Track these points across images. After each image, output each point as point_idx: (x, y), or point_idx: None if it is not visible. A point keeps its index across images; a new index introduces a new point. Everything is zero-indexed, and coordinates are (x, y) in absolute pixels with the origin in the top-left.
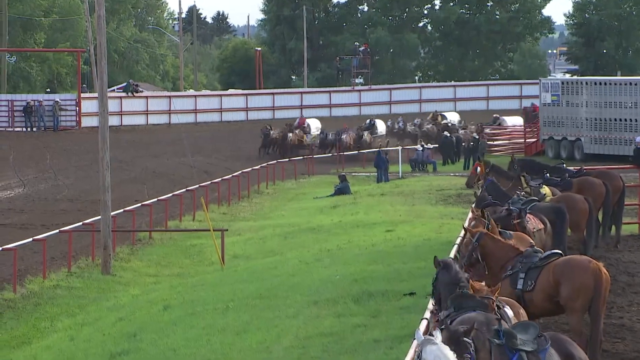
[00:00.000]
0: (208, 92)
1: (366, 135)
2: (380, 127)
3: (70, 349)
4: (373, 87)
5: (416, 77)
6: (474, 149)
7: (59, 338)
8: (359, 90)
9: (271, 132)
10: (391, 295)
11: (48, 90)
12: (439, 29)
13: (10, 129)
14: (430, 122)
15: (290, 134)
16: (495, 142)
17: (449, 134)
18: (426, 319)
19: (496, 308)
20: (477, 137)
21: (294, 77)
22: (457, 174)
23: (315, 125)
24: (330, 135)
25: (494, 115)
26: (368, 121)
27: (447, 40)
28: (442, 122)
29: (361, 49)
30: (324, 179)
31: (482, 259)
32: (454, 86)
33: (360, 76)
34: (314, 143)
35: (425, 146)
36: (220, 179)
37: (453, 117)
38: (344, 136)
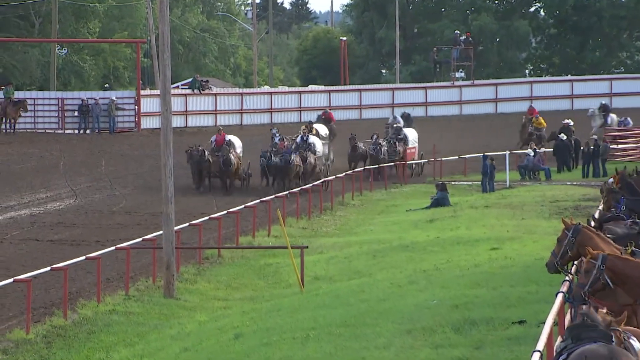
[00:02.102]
0: (285, 88)
1: (399, 146)
2: (412, 135)
3: None
4: (476, 82)
5: (526, 71)
6: (594, 154)
7: None
8: (460, 86)
9: (206, 155)
10: (497, 323)
11: (107, 85)
12: (554, 15)
13: (60, 131)
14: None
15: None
16: (620, 146)
17: (565, 136)
18: (539, 351)
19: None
20: (597, 139)
21: (384, 71)
22: (575, 183)
23: (239, 144)
24: (362, 145)
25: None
26: (397, 124)
27: (562, 27)
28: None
29: (462, 38)
30: (418, 189)
31: (612, 283)
32: (571, 81)
33: (461, 70)
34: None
35: (537, 150)
36: (299, 188)
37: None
38: (364, 146)
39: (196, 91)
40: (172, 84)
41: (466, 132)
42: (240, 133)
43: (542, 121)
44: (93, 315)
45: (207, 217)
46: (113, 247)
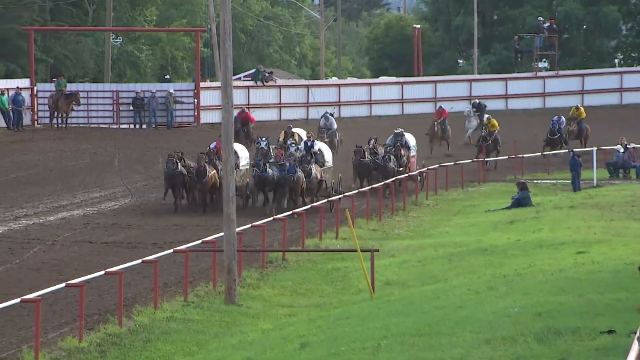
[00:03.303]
0: (354, 80)
1: (405, 155)
2: (412, 141)
3: None
4: (560, 73)
5: (615, 61)
6: None
7: None
8: (543, 77)
9: (179, 167)
10: (584, 333)
11: (167, 77)
12: None
13: (115, 126)
14: None
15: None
16: None
17: None
18: None
19: None
20: None
21: (461, 61)
22: None
23: (244, 154)
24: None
25: None
26: (399, 130)
27: None
28: None
29: (546, 25)
30: (498, 188)
31: None
32: None
33: (544, 59)
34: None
35: (628, 146)
36: (369, 187)
37: None
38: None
39: (259, 83)
40: (233, 75)
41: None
42: (306, 128)
43: (495, 123)
44: (150, 323)
45: (271, 218)
46: (171, 250)
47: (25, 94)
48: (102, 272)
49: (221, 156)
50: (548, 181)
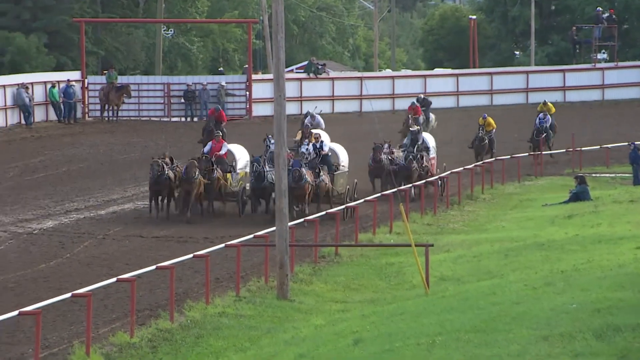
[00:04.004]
0: (409, 72)
1: (425, 157)
2: (431, 141)
3: None
4: (620, 64)
5: None
6: None
7: None
8: (602, 69)
9: (166, 170)
10: None
11: (220, 69)
12: None
13: (166, 119)
14: None
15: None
16: None
17: None
18: None
19: None
20: None
21: (517, 52)
22: None
23: (242, 156)
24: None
25: None
26: (415, 128)
27: None
28: None
29: (605, 15)
30: (555, 182)
31: None
32: None
33: (603, 51)
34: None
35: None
36: (423, 181)
37: None
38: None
39: (312, 75)
40: (286, 67)
41: (609, 119)
42: (359, 121)
43: (492, 122)
44: (201, 318)
45: (323, 212)
46: (222, 245)
47: (76, 87)
48: (154, 267)
49: (218, 157)
50: (607, 175)
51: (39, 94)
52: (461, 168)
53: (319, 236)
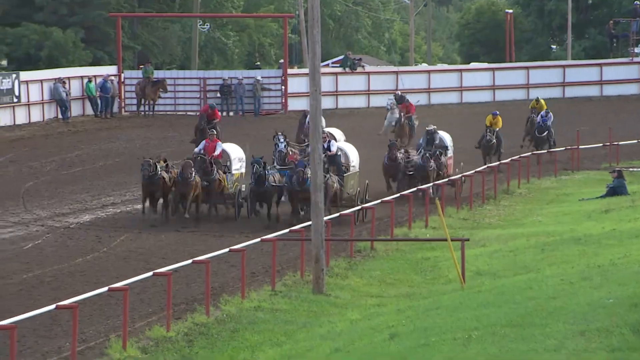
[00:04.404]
0: (445, 66)
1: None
2: (449, 140)
3: None
4: None
5: None
6: None
7: None
8: (639, 63)
9: (158, 170)
10: None
11: (258, 63)
12: None
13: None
14: None
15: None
16: None
17: None
18: None
19: None
20: None
21: (554, 46)
22: None
23: (237, 156)
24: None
25: None
26: (432, 127)
27: None
28: None
29: None
30: (592, 176)
31: None
32: None
33: None
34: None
35: None
36: (459, 175)
37: None
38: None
39: (348, 70)
40: (321, 62)
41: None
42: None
43: (500, 120)
44: (237, 312)
45: (358, 207)
46: (258, 239)
47: (114, 81)
48: (190, 261)
49: (213, 158)
50: None
51: (75, 88)
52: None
53: (355, 230)
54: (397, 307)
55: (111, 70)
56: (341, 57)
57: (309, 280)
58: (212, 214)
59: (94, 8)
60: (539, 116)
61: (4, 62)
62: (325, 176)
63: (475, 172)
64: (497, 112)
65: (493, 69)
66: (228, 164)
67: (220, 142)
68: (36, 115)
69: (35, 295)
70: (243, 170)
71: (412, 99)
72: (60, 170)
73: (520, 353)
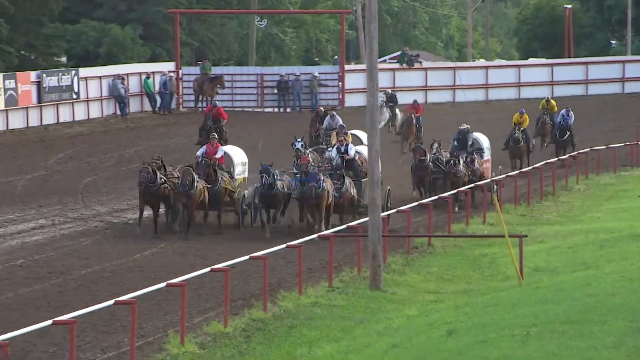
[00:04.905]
0: (503, 62)
1: (477, 160)
2: (485, 142)
3: None
4: None
5: None
6: None
7: None
8: None
9: (158, 178)
10: None
11: (317, 59)
12: None
13: (259, 109)
14: None
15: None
16: None
17: None
18: None
19: None
20: None
21: (613, 42)
22: None
23: (239, 160)
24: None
25: None
26: (465, 127)
27: None
28: None
29: None
30: None
31: None
32: None
33: None
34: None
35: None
36: (516, 171)
37: None
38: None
39: (405, 66)
40: (379, 57)
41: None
42: (452, 111)
43: (527, 118)
44: (294, 308)
45: (416, 203)
46: (315, 235)
47: (173, 77)
48: (247, 257)
49: (214, 159)
50: None
51: (134, 85)
52: (542, 162)
53: (412, 227)
54: (455, 303)
55: (169, 66)
56: (398, 53)
57: (366, 277)
58: (219, 223)
59: (153, 5)
60: (559, 116)
61: (64, 59)
62: (336, 182)
63: (533, 168)
64: (524, 110)
65: (551, 65)
66: (231, 169)
67: (221, 147)
68: (95, 112)
69: (95, 291)
70: (246, 175)
71: (467, 95)
72: (119, 166)
73: (579, 350)
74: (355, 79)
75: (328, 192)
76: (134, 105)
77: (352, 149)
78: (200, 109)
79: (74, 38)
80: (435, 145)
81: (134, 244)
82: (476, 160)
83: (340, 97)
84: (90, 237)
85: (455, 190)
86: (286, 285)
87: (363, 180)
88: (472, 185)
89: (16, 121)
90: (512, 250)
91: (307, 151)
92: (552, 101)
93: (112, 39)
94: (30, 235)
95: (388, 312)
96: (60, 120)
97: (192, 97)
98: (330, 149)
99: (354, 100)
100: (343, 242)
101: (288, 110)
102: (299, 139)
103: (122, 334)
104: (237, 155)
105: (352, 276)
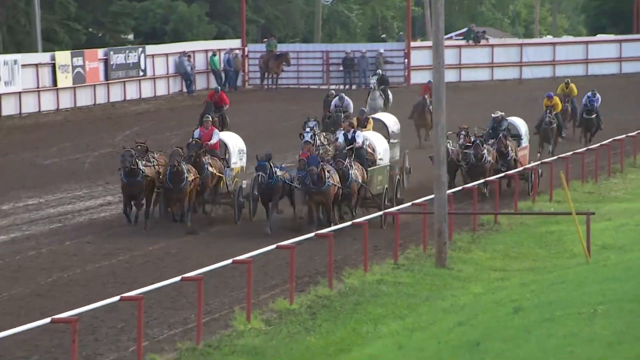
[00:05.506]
0: (570, 38)
1: (511, 147)
2: (523, 127)
3: (398, 359)
4: None
5: None
6: None
7: (384, 345)
8: None
9: (140, 169)
10: None
11: (383, 36)
12: None
13: (325, 87)
14: None
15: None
16: None
17: None
18: None
19: None
20: None
21: None
22: None
23: (236, 147)
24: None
25: None
26: (498, 114)
27: None
28: None
29: None
30: None
31: None
32: None
33: None
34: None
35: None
36: (584, 148)
37: None
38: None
39: (471, 42)
40: (445, 34)
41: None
42: (519, 88)
43: (559, 102)
44: (360, 285)
45: (482, 180)
46: (381, 212)
47: (238, 54)
48: (313, 234)
49: (208, 146)
50: None
51: (200, 62)
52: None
53: (478, 204)
54: (521, 280)
55: (235, 43)
56: (464, 29)
57: (431, 254)
58: (204, 214)
59: None
60: (585, 98)
61: (131, 36)
62: (347, 174)
63: (601, 145)
64: (552, 94)
65: (620, 41)
66: (227, 156)
67: (217, 130)
68: (161, 89)
69: (161, 267)
70: (244, 163)
71: (534, 72)
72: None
73: None
74: (421, 56)
75: (335, 186)
76: (200, 83)
77: (360, 136)
78: (266, 87)
79: (141, 15)
80: (463, 133)
81: (201, 221)
82: (510, 148)
83: (406, 74)
84: (156, 214)
85: (482, 180)
86: (351, 263)
87: (370, 169)
88: (502, 174)
89: (84, 98)
90: (579, 227)
91: (319, 140)
92: (571, 84)
93: (178, 16)
94: (97, 212)
95: (454, 289)
96: (127, 98)
97: (258, 75)
98: (337, 134)
99: (419, 77)
100: (409, 220)
101: (354, 87)
102: (312, 121)
103: (189, 310)
104: (233, 141)
105: (417, 253)
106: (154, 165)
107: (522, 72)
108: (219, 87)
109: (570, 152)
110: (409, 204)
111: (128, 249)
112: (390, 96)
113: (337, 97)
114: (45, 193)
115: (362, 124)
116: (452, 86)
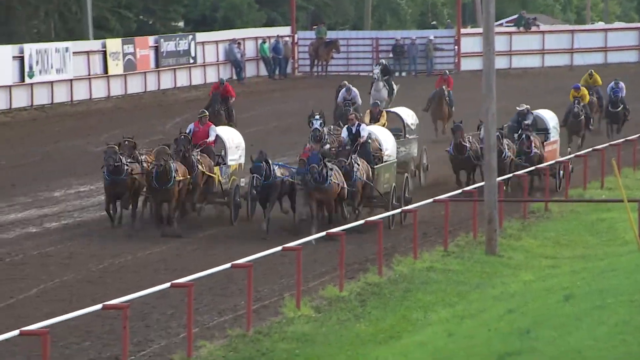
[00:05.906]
0: (622, 24)
1: (534, 144)
2: (552, 121)
3: (448, 346)
4: None
5: None
6: None
7: (434, 333)
8: None
9: (124, 166)
10: None
11: (434, 23)
12: None
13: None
14: None
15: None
16: None
17: None
18: None
19: None
20: None
21: None
22: None
23: (234, 143)
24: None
25: None
26: (524, 107)
27: None
28: None
29: None
30: None
31: None
32: None
33: None
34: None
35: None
36: (636, 135)
37: None
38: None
39: (522, 29)
40: (495, 21)
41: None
42: (569, 74)
43: (586, 93)
44: (409, 273)
45: (532, 167)
46: (431, 199)
47: (287, 41)
48: (362, 221)
49: (204, 144)
50: None
51: (250, 49)
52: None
53: (529, 191)
54: (572, 268)
55: (285, 31)
56: (515, 16)
57: (481, 241)
58: (195, 214)
59: None
60: (609, 89)
61: (181, 24)
62: (352, 171)
63: None
64: (579, 85)
65: None
66: (223, 153)
67: (213, 126)
68: (211, 76)
69: (211, 254)
70: (242, 160)
71: (585, 58)
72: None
73: None
74: (471, 43)
75: (338, 184)
76: (250, 70)
77: (365, 130)
78: (315, 74)
79: (191, 3)
80: (482, 126)
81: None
82: (534, 143)
83: (456, 61)
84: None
85: (503, 177)
86: (401, 250)
87: (376, 167)
88: (527, 169)
89: (134, 86)
90: (631, 215)
91: (326, 137)
92: (595, 75)
93: (228, 3)
94: None
95: (504, 277)
96: (178, 85)
97: (308, 62)
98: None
99: (469, 64)
100: (459, 207)
101: (404, 74)
102: (318, 116)
103: (239, 297)
104: (231, 138)
105: (467, 241)
106: (141, 162)
107: (573, 59)
108: (224, 79)
109: (622, 139)
110: (459, 190)
111: (178, 236)
112: (395, 87)
113: (344, 89)
114: (96, 180)
115: (375, 118)
116: (502, 73)
